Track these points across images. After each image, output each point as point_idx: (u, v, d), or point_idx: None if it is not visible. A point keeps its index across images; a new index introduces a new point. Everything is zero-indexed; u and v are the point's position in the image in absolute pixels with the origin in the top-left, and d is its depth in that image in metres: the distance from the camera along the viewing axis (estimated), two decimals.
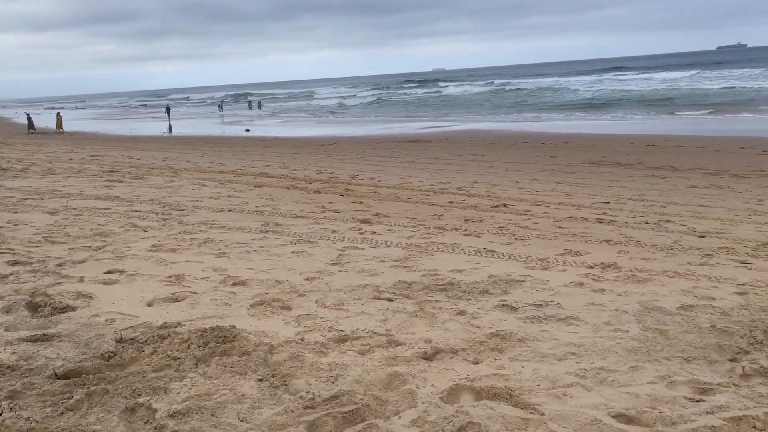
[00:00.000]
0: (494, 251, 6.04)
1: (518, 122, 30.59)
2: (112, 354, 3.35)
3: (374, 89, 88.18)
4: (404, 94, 71.32)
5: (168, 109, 48.16)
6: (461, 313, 4.12)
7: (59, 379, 3.06)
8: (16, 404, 2.70)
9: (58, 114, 38.12)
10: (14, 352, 3.30)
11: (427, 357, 3.39)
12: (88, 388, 2.89)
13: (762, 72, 58.17)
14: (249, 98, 72.80)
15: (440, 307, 4.25)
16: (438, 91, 69.64)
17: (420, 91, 74.53)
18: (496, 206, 8.81)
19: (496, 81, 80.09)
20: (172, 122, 41.11)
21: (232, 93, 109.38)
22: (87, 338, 3.58)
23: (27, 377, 3.04)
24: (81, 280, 4.86)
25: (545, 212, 8.28)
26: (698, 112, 29.68)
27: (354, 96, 72.95)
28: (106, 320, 3.92)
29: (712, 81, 53.50)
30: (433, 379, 3.08)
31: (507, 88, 64.52)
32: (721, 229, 6.94)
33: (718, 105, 31.97)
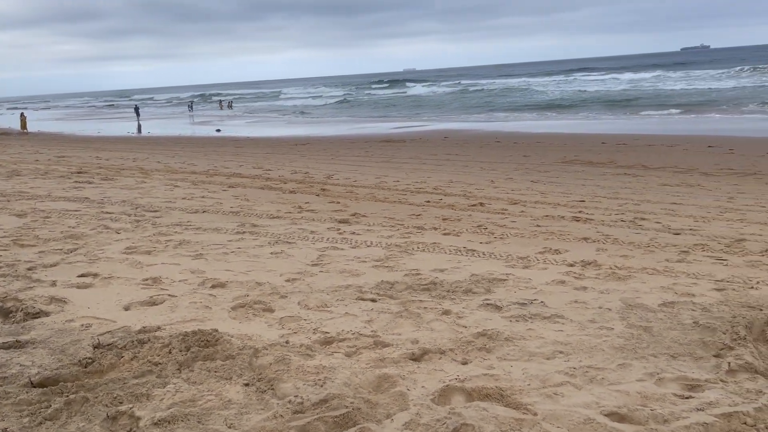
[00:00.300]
0: (474, 250, 6.04)
1: (490, 122, 30.80)
2: (90, 360, 3.23)
3: (343, 89, 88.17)
4: (371, 94, 71.44)
5: (137, 109, 47.34)
6: (446, 312, 4.10)
7: (35, 387, 2.94)
8: None
9: (22, 114, 37.19)
10: None
11: (415, 358, 3.35)
12: (67, 396, 2.78)
13: (724, 73, 59.69)
14: (219, 98, 71.94)
15: (425, 307, 4.21)
16: (403, 92, 69.99)
17: (389, 91, 74.80)
18: (474, 205, 8.82)
19: (464, 81, 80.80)
20: (141, 122, 40.39)
21: (198, 93, 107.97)
22: (63, 344, 3.46)
23: (1, 386, 2.91)
24: (53, 284, 4.71)
25: (522, 211, 8.32)
26: (664, 112, 30.28)
27: (322, 96, 72.76)
28: (82, 325, 3.79)
29: (676, 81, 54.68)
30: (423, 381, 3.04)
31: (473, 88, 65.12)
32: (695, 226, 7.05)
33: (683, 105, 32.65)
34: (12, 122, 42.71)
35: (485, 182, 11.25)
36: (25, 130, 34.93)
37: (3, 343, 3.43)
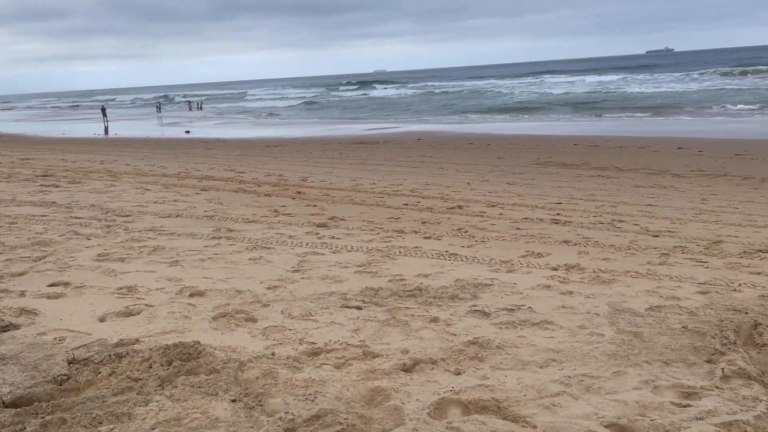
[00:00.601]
0: (457, 254, 5.98)
1: (462, 123, 30.91)
2: (65, 377, 3.06)
3: (311, 90, 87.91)
4: (339, 96, 71.32)
5: (104, 110, 46.28)
6: (434, 320, 4.02)
7: (7, 407, 2.77)
8: None
9: None
10: None
11: (407, 369, 3.25)
12: (43, 417, 2.62)
13: (687, 75, 61.05)
14: (189, 99, 70.82)
15: (412, 315, 4.13)
16: (368, 93, 70.15)
17: (357, 93, 74.84)
18: (452, 208, 8.78)
19: (432, 83, 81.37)
20: (108, 124, 39.53)
21: (162, 94, 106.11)
22: (35, 360, 3.28)
23: None
24: (22, 294, 4.49)
25: (501, 213, 8.30)
26: (631, 114, 30.73)
27: (287, 98, 72.28)
28: (55, 339, 3.61)
29: (641, 84, 55.70)
30: (417, 393, 2.95)
31: (441, 91, 65.48)
32: (672, 228, 7.11)
33: (650, 107, 33.18)
34: None
35: (462, 184, 11.22)
36: None
37: None
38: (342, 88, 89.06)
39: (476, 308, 4.25)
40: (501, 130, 25.01)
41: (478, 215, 8.20)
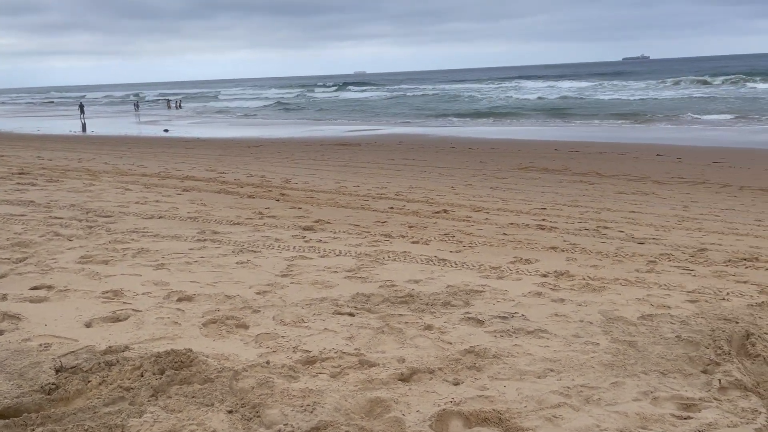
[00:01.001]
0: (445, 260, 5.96)
1: (442, 127, 30.98)
2: (53, 386, 2.96)
3: (288, 90, 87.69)
4: (315, 97, 71.22)
5: (81, 107, 45.51)
6: (428, 327, 3.98)
7: None
8: None
9: None
10: None
11: (404, 378, 3.21)
12: (33, 429, 2.52)
13: (661, 83, 62.03)
14: (168, 98, 69.91)
15: (405, 322, 4.09)
16: (342, 95, 70.28)
17: (335, 94, 74.82)
18: (438, 212, 8.76)
19: (409, 86, 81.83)
20: (85, 121, 38.84)
21: (134, 92, 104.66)
22: (21, 368, 3.17)
23: None
24: (4, 297, 4.36)
25: (486, 218, 8.31)
26: (609, 121, 31.10)
27: (263, 98, 71.89)
28: (41, 345, 3.50)
29: (617, 91, 56.44)
30: (416, 404, 2.91)
31: (417, 93, 65.89)
32: (657, 235, 7.17)
33: (627, 114, 33.62)
34: None
35: (445, 188, 11.22)
36: None
37: None
38: (318, 89, 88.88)
39: (470, 315, 4.23)
40: (481, 134, 25.13)
41: (464, 220, 8.19)
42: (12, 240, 6.24)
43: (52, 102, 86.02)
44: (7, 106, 79.52)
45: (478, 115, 38.03)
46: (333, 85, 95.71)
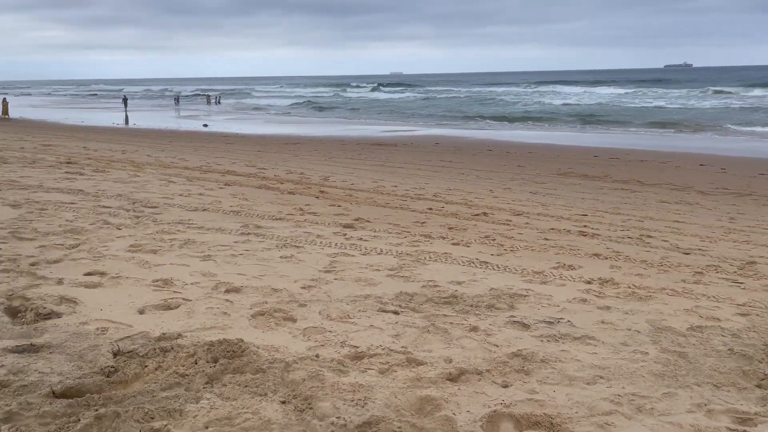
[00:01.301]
0: (487, 262, 5.94)
1: (479, 130, 30.82)
2: (112, 369, 3.06)
3: (324, 89, 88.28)
4: (348, 96, 71.44)
5: (125, 100, 46.58)
6: (474, 329, 3.98)
7: (58, 398, 2.76)
8: (16, 428, 2.40)
9: (3, 100, 36.34)
10: (2, 365, 2.97)
11: (452, 378, 3.22)
12: (96, 410, 2.61)
13: (706, 92, 60.59)
14: (207, 93, 71.02)
15: (450, 323, 4.10)
16: (376, 95, 70.41)
17: (370, 94, 75.05)
18: (477, 215, 8.74)
19: (445, 88, 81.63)
20: (128, 113, 39.73)
21: (167, 87, 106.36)
22: (80, 350, 3.28)
23: (21, 395, 2.73)
24: (60, 282, 4.50)
25: (527, 223, 8.26)
26: (649, 129, 30.54)
27: (296, 96, 72.36)
28: (98, 329, 3.60)
29: (655, 98, 55.36)
30: (466, 404, 2.92)
31: (452, 95, 65.63)
32: (703, 246, 7.03)
33: (667, 122, 32.95)
34: None
35: (484, 191, 11.18)
36: (6, 116, 34.15)
37: (17, 346, 3.23)
38: (351, 89, 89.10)
39: (515, 319, 4.21)
40: (518, 138, 24.93)
41: (504, 223, 8.15)
42: (64, 227, 6.43)
43: (96, 94, 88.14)
44: (53, 97, 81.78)
45: (514, 118, 37.68)
46: (367, 85, 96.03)
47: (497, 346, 3.71)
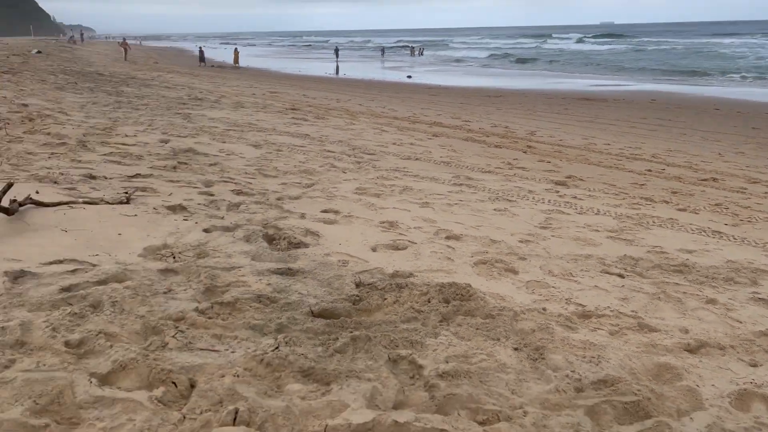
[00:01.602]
0: (721, 232, 5.45)
1: (702, 86, 27.70)
2: (357, 298, 3.38)
3: (523, 41, 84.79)
4: (550, 48, 67.50)
5: (337, 51, 49.26)
6: (711, 301, 3.72)
7: (316, 317, 3.14)
8: (289, 339, 2.77)
9: (235, 50, 40.53)
10: (269, 284, 3.43)
11: (691, 350, 3.06)
12: (351, 332, 2.92)
13: None
14: (411, 45, 72.45)
15: (684, 292, 3.86)
16: (575, 47, 65.62)
17: (576, 45, 70.52)
18: (704, 180, 7.99)
19: (669, 39, 73.73)
20: (339, 64, 42.11)
21: (372, 38, 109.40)
22: (328, 278, 3.66)
23: (287, 311, 3.14)
24: (302, 216, 5.02)
25: (766, 192, 7.37)
26: None
27: (498, 47, 70.16)
28: (339, 261, 3.98)
29: None
30: (710, 378, 2.77)
31: (674, 46, 58.93)
32: None
33: None
34: (225, 56, 46.85)
35: (711, 155, 10.13)
36: (237, 65, 38.11)
37: (277, 269, 3.70)
38: (552, 41, 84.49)
39: (759, 296, 3.85)
40: (752, 96, 22.00)
41: (737, 191, 7.36)
42: (298, 167, 7.11)
43: (310, 45, 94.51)
44: (273, 47, 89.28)
45: (745, 74, 33.19)
46: (571, 36, 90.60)
47: (740, 322, 3.43)
